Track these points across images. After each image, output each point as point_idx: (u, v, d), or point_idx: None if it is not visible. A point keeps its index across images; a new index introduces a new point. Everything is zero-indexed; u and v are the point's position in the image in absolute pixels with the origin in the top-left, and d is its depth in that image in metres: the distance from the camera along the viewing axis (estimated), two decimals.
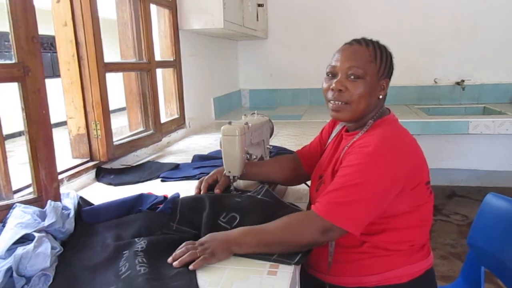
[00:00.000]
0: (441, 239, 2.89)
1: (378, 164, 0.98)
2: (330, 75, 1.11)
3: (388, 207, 1.01)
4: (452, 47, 3.38)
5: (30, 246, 0.86)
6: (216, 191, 1.23)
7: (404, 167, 1.00)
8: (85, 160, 1.64)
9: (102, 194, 1.41)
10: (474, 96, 3.44)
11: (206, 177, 1.30)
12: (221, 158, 1.24)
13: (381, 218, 1.03)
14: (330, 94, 1.10)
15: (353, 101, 1.07)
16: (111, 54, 1.91)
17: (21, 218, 0.97)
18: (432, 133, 2.86)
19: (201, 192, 1.25)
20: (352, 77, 1.06)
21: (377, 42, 1.12)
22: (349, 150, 1.05)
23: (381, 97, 1.11)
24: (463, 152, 3.26)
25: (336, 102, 1.09)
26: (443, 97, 3.48)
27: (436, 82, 3.47)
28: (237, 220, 1.03)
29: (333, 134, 1.28)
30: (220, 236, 0.94)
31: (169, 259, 0.90)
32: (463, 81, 3.39)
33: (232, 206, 1.07)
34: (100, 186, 1.53)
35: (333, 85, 1.08)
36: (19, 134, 8.26)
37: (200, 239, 0.94)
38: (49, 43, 8.77)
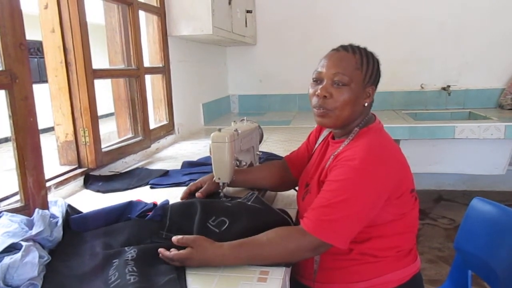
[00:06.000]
0: (429, 243, 2.92)
1: (364, 178, 0.98)
2: (316, 81, 1.11)
3: (374, 217, 1.02)
4: (438, 53, 3.44)
5: (18, 255, 0.85)
6: (198, 194, 1.23)
7: (389, 179, 1.01)
8: (73, 167, 1.62)
9: (91, 201, 1.39)
10: (460, 101, 3.50)
11: (190, 184, 1.30)
12: (211, 164, 1.24)
13: (367, 227, 1.04)
14: (315, 100, 1.10)
15: (337, 108, 1.07)
16: (99, 60, 1.90)
17: (8, 227, 0.96)
18: (419, 137, 2.89)
19: (181, 198, 1.25)
20: (337, 84, 1.06)
21: (364, 49, 1.11)
22: (335, 163, 1.04)
23: (366, 104, 1.10)
24: (450, 156, 3.30)
25: (321, 109, 1.09)
26: (430, 102, 3.54)
27: (422, 87, 3.52)
28: (226, 225, 1.03)
29: (320, 139, 1.28)
30: (204, 255, 0.92)
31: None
32: (449, 86, 3.45)
33: (222, 210, 1.07)
34: (88, 194, 1.51)
35: (318, 91, 1.08)
36: (5, 140, 8.14)
37: (189, 240, 0.94)
38: (36, 48, 8.68)
